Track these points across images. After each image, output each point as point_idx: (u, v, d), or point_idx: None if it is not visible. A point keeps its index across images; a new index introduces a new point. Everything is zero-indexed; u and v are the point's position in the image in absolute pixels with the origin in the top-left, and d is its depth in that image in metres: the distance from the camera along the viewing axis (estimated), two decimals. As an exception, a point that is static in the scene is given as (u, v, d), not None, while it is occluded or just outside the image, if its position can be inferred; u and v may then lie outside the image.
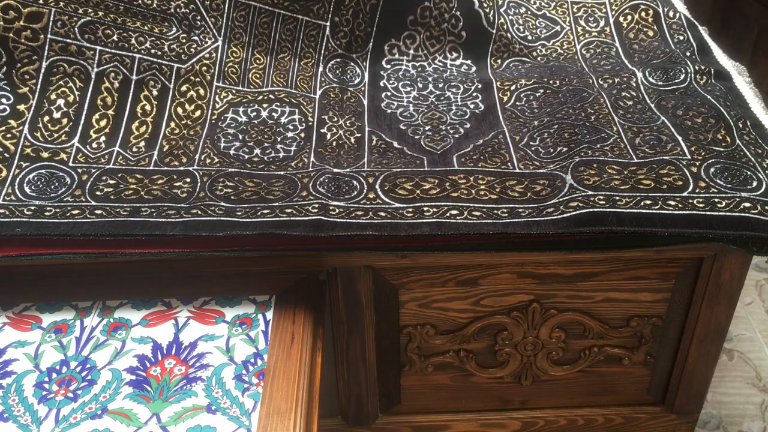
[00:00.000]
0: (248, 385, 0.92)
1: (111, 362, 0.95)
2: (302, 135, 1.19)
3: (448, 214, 1.01)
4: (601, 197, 1.00)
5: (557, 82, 1.31)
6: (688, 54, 1.35)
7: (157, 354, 0.96)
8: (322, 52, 1.35)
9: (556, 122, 1.20)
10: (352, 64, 1.37)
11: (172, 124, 1.19)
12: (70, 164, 1.10)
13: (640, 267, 1.12)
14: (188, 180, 1.08)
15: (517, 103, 1.27)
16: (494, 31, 1.41)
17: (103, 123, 1.16)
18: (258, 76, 1.27)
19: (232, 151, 1.16)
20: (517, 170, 1.11)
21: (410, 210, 1.02)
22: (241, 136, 1.19)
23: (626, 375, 1.27)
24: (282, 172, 1.11)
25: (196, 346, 0.97)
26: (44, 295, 1.05)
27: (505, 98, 1.29)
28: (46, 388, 0.91)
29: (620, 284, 1.14)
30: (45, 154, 1.11)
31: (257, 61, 1.28)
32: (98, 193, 1.06)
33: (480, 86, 1.32)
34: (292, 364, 0.94)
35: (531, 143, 1.17)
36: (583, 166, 1.07)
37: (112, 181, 1.08)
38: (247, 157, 1.15)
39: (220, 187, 1.07)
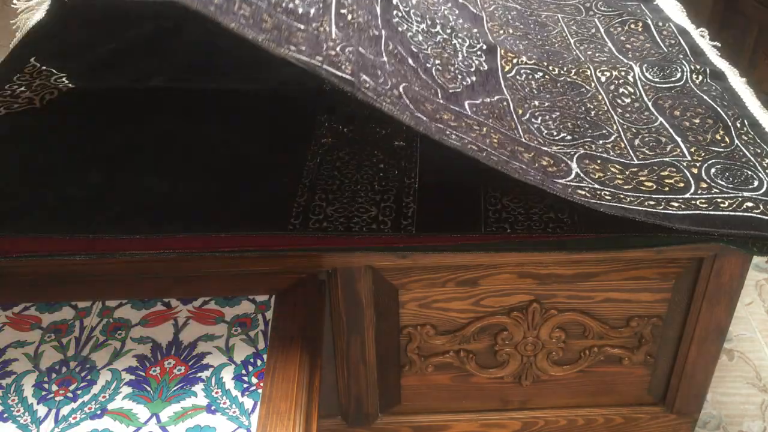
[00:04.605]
0: (248, 385, 0.91)
1: (110, 362, 0.95)
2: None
3: (468, 147, 0.95)
4: (607, 193, 1.00)
5: (555, 69, 1.31)
6: (681, 56, 1.35)
7: (156, 354, 0.96)
8: None
9: (557, 109, 1.20)
10: None
11: None
12: None
13: (640, 267, 1.12)
14: None
15: (518, 77, 1.28)
16: (484, 15, 1.45)
17: None
18: None
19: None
20: (524, 140, 1.10)
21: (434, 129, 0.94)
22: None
23: (626, 375, 1.27)
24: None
25: (196, 346, 0.97)
26: (44, 295, 1.05)
27: (507, 67, 1.29)
28: (46, 388, 0.91)
29: (620, 284, 1.14)
30: None
31: None
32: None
33: (485, 47, 1.31)
34: (291, 365, 0.94)
35: (533, 120, 1.16)
36: (588, 160, 1.07)
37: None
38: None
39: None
